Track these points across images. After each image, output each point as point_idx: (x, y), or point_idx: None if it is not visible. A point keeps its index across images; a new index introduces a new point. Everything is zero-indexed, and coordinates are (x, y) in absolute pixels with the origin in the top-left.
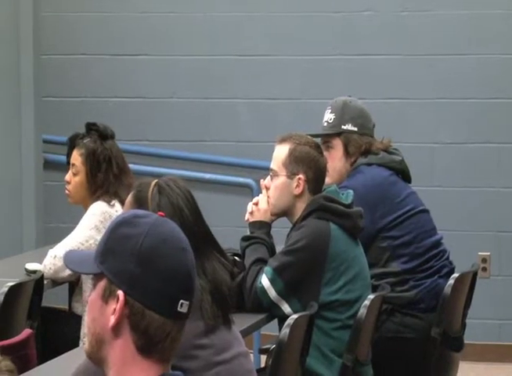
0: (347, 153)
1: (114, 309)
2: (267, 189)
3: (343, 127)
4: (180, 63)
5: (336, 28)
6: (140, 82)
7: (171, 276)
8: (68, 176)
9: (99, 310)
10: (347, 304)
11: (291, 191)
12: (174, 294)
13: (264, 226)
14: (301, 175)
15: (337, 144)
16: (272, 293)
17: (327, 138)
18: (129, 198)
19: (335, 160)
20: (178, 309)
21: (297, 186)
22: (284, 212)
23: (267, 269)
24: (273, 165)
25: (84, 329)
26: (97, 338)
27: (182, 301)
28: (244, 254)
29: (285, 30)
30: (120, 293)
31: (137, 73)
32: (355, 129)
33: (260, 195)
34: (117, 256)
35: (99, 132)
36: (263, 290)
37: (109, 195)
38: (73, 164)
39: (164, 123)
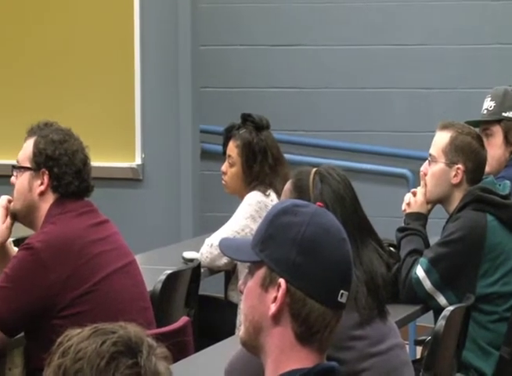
0: (506, 140)
1: (275, 297)
2: (425, 175)
3: (503, 114)
4: (335, 52)
5: (493, 16)
6: (296, 72)
7: (332, 266)
8: (224, 167)
9: (257, 298)
10: (505, 296)
11: (449, 179)
12: (335, 284)
13: (420, 218)
14: (460, 165)
15: (497, 131)
16: (427, 284)
17: (487, 125)
18: (288, 186)
19: (494, 148)
20: (339, 299)
21: (456, 175)
22: (440, 200)
23: (422, 260)
24: (432, 151)
25: (240, 317)
26: (255, 325)
27: (342, 291)
28: (400, 245)
29: (441, 19)
30: (282, 281)
31: (293, 63)
32: None
33: (418, 187)
34: (277, 244)
35: (254, 123)
36: (418, 281)
37: (264, 185)
38: (229, 156)
39: (320, 113)
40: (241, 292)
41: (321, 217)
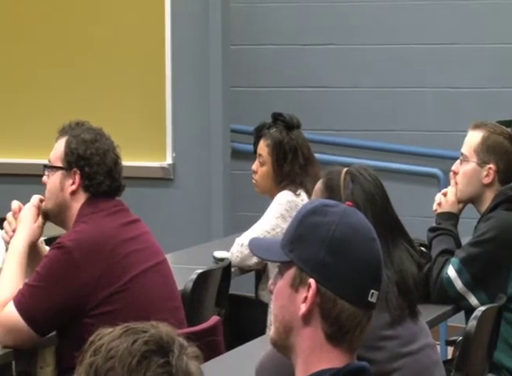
0: None
1: (305, 297)
2: (455, 174)
3: None
4: (366, 52)
5: None
6: (327, 72)
7: (362, 265)
8: (255, 166)
9: (287, 298)
10: None
11: (480, 179)
12: (365, 284)
13: (451, 218)
14: (491, 165)
15: None
16: (459, 284)
17: None
18: (319, 186)
19: None
20: (369, 298)
21: (487, 175)
22: (471, 200)
23: (454, 260)
24: (464, 150)
25: (271, 317)
26: (285, 325)
27: (372, 291)
28: (431, 244)
29: (472, 17)
30: (312, 281)
31: (324, 62)
32: None
33: (449, 186)
34: (307, 244)
35: (285, 123)
36: (449, 280)
37: (295, 185)
38: (259, 155)
39: (350, 112)
40: (271, 292)
41: (350, 217)
